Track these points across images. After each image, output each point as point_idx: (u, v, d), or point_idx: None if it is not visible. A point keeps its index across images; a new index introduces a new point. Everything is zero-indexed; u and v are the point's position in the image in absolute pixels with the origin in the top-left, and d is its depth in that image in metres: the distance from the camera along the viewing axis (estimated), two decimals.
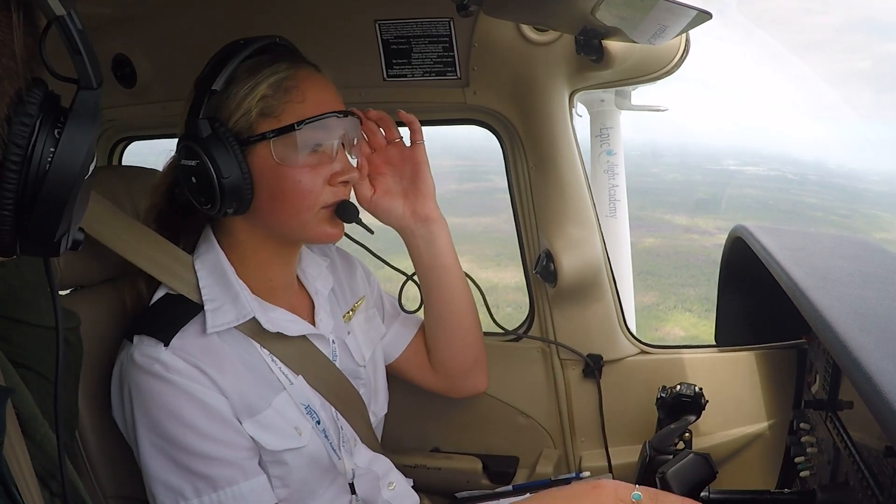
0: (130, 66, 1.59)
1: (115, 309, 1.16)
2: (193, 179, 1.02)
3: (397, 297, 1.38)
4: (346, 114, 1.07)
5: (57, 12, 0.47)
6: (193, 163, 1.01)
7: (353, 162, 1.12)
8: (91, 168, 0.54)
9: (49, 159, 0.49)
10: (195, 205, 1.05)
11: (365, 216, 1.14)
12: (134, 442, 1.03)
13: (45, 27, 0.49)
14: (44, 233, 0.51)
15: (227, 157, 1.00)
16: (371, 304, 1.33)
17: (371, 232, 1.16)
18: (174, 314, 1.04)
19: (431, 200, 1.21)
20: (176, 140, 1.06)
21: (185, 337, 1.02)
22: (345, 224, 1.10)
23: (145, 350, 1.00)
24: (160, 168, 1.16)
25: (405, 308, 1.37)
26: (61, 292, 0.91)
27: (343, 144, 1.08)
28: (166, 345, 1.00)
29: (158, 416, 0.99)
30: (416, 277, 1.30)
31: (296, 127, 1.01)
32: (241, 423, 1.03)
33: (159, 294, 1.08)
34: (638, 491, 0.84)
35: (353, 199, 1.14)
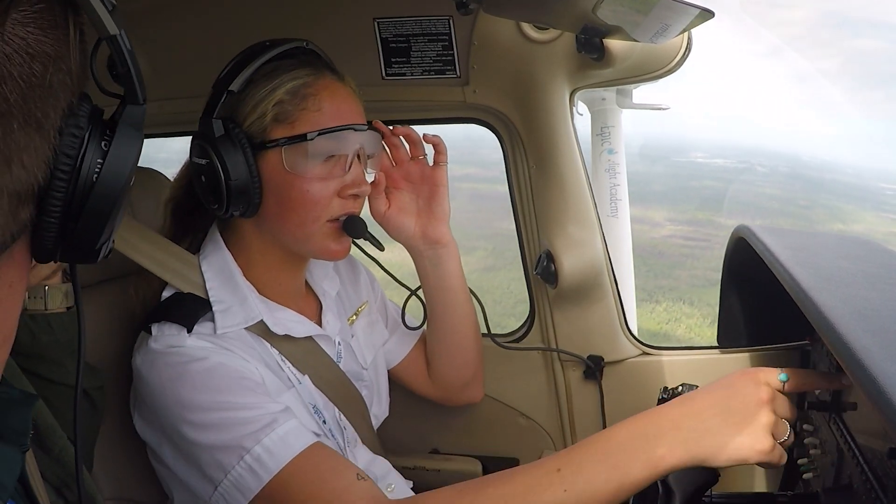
0: None
1: (114, 309, 1.16)
2: (203, 178, 1.01)
3: (401, 309, 1.36)
4: (367, 125, 1.05)
5: (111, 31, 0.50)
6: (204, 161, 1.00)
7: (371, 176, 1.10)
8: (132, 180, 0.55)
9: (97, 170, 0.50)
10: (204, 204, 1.04)
11: (375, 230, 1.12)
12: (163, 432, 0.98)
13: (95, 44, 0.52)
14: (87, 241, 0.52)
15: (238, 160, 0.99)
16: (374, 309, 1.33)
17: (381, 248, 1.13)
18: (190, 307, 1.03)
19: (444, 224, 1.20)
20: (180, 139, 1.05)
21: (204, 327, 1.01)
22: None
23: (167, 337, 0.99)
24: (156, 167, 1.15)
25: (408, 324, 1.35)
26: (58, 287, 0.90)
27: (359, 157, 1.06)
28: (189, 330, 0.99)
29: (190, 391, 0.95)
30: (420, 293, 1.29)
31: (308, 137, 0.99)
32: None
33: (168, 293, 1.07)
34: (784, 372, 0.82)
35: (367, 211, 1.12)
